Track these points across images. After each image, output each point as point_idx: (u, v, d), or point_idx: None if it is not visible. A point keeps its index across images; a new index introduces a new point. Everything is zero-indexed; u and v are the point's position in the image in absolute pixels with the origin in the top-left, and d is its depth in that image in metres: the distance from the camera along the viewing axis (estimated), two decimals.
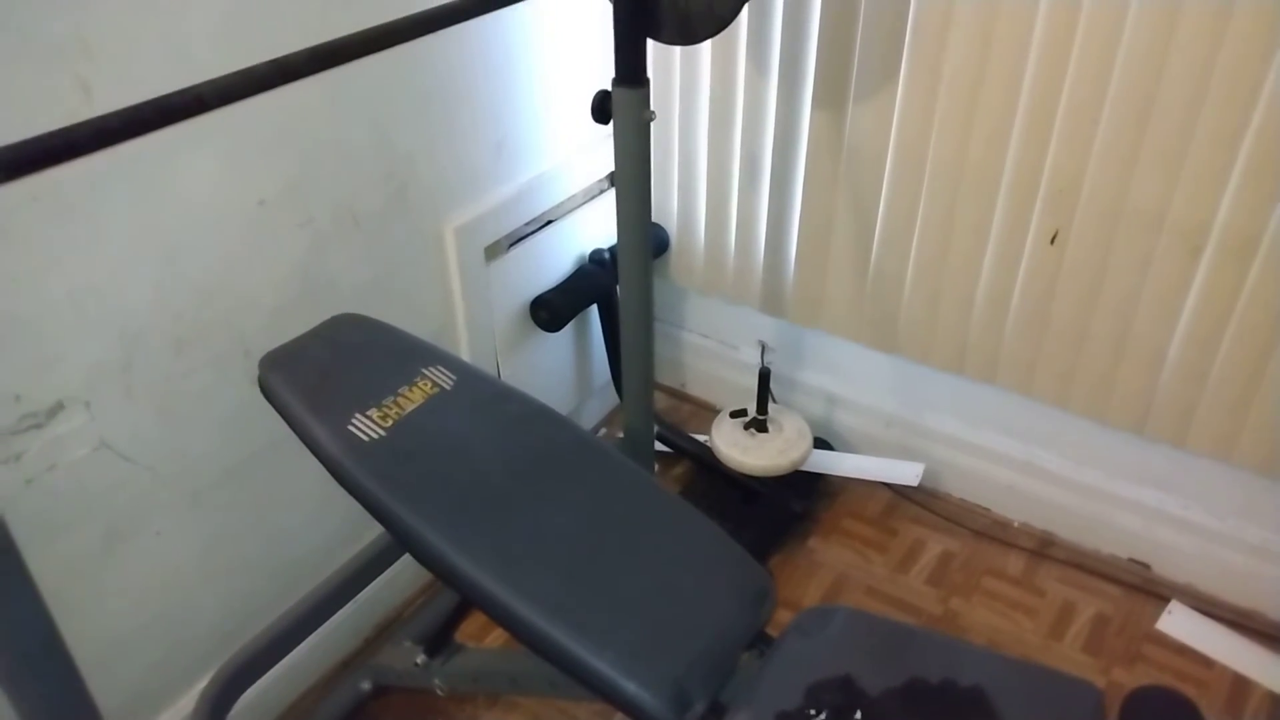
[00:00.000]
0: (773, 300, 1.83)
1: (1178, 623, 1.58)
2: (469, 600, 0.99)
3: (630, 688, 0.89)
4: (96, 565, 1.18)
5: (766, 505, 1.81)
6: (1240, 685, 1.50)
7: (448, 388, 1.14)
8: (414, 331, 1.24)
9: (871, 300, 1.70)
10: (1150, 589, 1.66)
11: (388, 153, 1.38)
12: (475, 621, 1.55)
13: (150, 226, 1.12)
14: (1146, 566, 1.68)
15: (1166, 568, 1.67)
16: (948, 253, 1.57)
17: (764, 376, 1.74)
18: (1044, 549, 1.75)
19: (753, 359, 1.80)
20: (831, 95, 1.56)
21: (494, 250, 1.61)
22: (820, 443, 1.90)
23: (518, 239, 1.66)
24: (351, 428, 1.07)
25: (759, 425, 1.78)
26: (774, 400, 1.82)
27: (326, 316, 1.24)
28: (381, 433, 1.07)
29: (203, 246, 1.18)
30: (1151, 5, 1.24)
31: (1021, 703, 0.90)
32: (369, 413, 1.09)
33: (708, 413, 2.05)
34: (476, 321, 1.60)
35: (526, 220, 1.66)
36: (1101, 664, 1.54)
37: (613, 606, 0.96)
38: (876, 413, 1.88)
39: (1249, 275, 1.33)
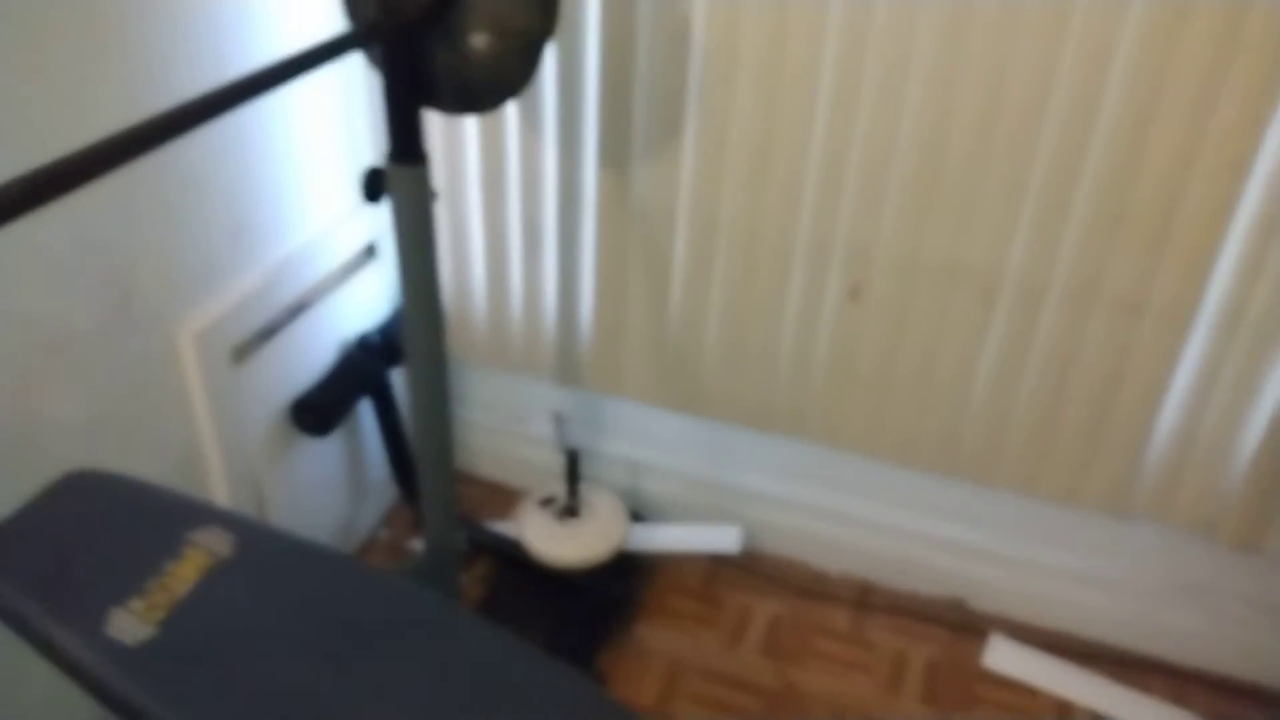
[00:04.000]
0: (568, 370, 1.69)
1: (1000, 656, 1.61)
2: None
3: None
4: None
5: (583, 595, 1.66)
6: (1064, 709, 1.54)
7: (226, 554, 0.90)
8: (153, 469, 0.98)
9: (674, 363, 1.60)
10: (970, 624, 1.68)
11: (101, 256, 1.11)
12: None
13: None
14: (963, 601, 1.71)
15: (982, 601, 1.70)
16: (749, 312, 1.51)
17: (573, 458, 1.60)
18: (865, 597, 1.73)
19: (546, 432, 1.65)
20: (616, 156, 1.45)
21: (242, 351, 1.35)
22: (630, 515, 1.78)
23: (269, 333, 1.41)
24: (111, 629, 0.81)
25: (571, 511, 1.63)
26: (581, 478, 1.67)
27: (46, 471, 0.94)
28: (153, 630, 0.81)
29: None
30: (933, 62, 1.24)
31: None
32: (130, 604, 0.83)
33: (501, 495, 1.88)
34: (229, 442, 1.33)
35: (278, 310, 1.41)
36: (942, 712, 1.53)
37: None
38: (685, 476, 1.79)
39: (1040, 318, 1.37)
